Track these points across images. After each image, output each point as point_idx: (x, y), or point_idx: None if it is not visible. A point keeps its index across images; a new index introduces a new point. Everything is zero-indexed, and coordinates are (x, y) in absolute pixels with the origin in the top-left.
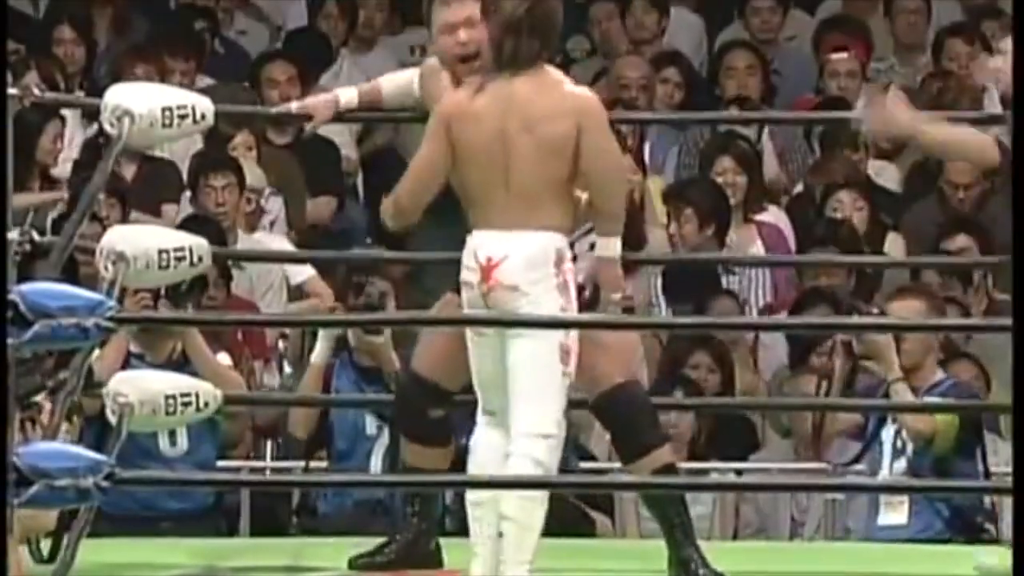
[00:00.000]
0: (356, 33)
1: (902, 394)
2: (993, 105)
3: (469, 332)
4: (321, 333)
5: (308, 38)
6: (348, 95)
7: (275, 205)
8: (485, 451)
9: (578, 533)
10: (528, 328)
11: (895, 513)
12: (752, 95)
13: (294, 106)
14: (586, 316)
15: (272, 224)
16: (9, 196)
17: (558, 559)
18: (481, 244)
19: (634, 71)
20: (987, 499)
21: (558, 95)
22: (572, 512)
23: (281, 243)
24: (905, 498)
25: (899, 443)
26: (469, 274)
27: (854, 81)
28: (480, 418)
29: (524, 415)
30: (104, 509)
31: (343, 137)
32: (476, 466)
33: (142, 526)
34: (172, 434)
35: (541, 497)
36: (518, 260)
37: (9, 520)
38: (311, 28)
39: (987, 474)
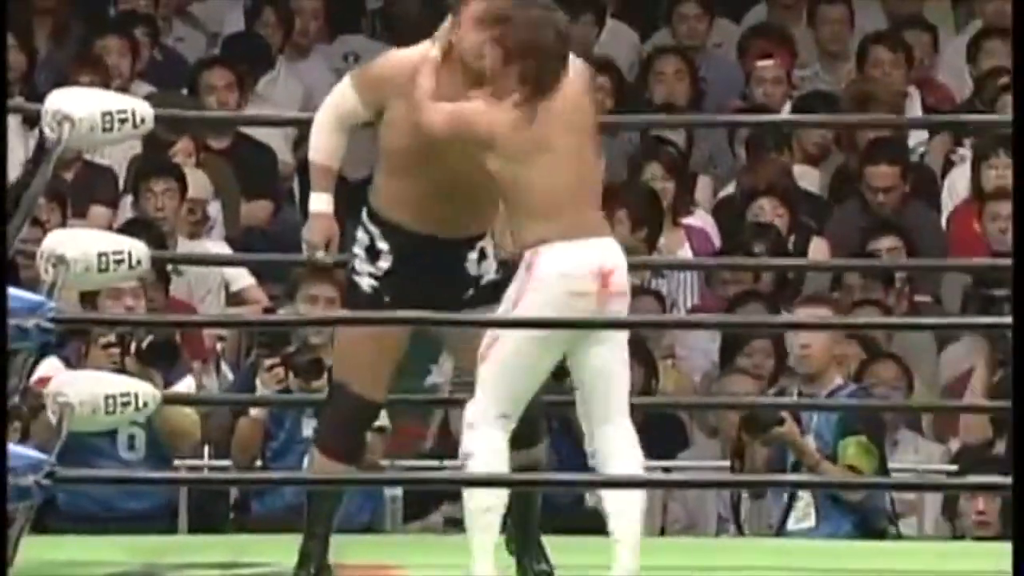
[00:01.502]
0: (292, 40)
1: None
2: (914, 111)
3: (536, 338)
4: (260, 389)
5: (246, 44)
6: (321, 202)
7: (213, 210)
8: (498, 459)
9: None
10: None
11: (805, 519)
12: (680, 101)
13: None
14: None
15: (211, 230)
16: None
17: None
18: (589, 253)
19: None
20: (888, 501)
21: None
22: None
23: (220, 248)
24: (812, 502)
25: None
26: (581, 283)
27: (779, 88)
28: (497, 423)
29: (626, 423)
30: (63, 509)
31: (279, 142)
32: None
33: (99, 525)
34: (131, 438)
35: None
36: (623, 266)
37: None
38: (248, 34)
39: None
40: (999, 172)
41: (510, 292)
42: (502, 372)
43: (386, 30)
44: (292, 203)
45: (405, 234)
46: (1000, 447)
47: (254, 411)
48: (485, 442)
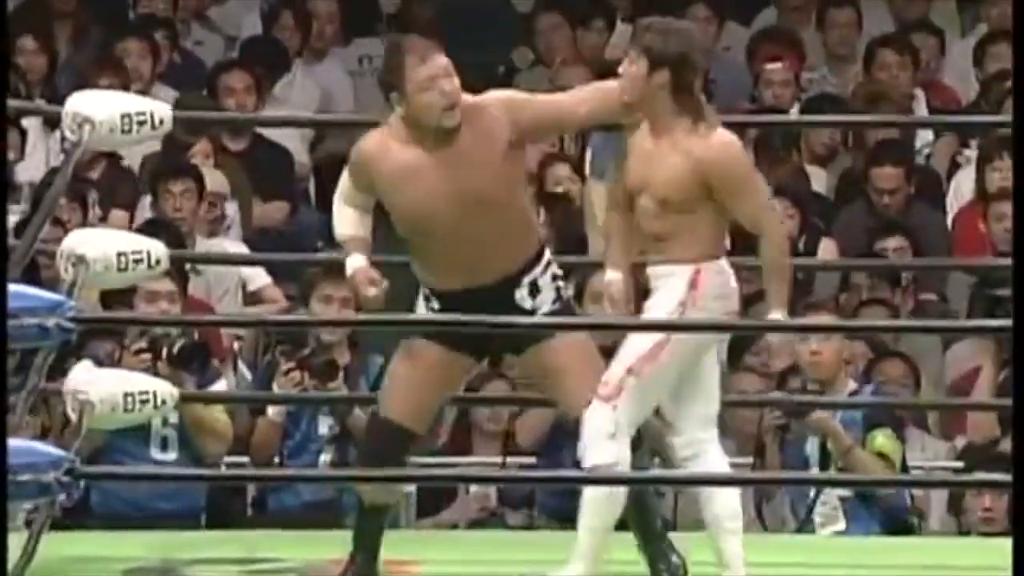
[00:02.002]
0: (309, 43)
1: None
2: (921, 113)
3: (690, 360)
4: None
5: (263, 47)
6: (355, 261)
7: (231, 210)
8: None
9: None
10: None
11: (833, 522)
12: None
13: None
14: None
15: (228, 229)
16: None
17: None
18: (726, 273)
19: (577, 82)
20: (907, 497)
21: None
22: None
23: (238, 248)
24: (839, 505)
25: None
26: (730, 303)
27: (787, 90)
28: (627, 438)
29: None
30: (96, 510)
31: (296, 143)
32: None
33: (129, 525)
34: (164, 440)
35: None
36: None
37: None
38: (266, 38)
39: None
40: (1003, 174)
41: (663, 302)
42: (650, 389)
43: (400, 34)
44: (308, 204)
45: (444, 293)
46: (1006, 444)
47: (271, 412)
48: (622, 454)
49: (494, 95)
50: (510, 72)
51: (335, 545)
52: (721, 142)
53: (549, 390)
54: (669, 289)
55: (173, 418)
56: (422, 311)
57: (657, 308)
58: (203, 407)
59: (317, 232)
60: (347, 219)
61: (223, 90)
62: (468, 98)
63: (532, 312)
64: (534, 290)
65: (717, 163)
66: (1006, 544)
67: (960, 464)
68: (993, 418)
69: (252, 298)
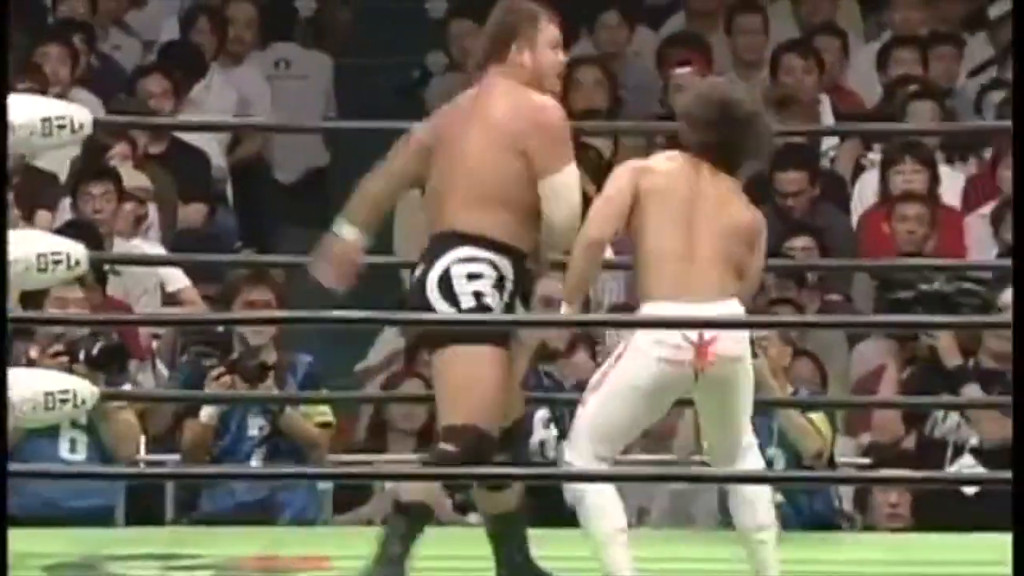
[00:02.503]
0: (226, 48)
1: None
2: (827, 117)
3: (638, 392)
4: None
5: (181, 52)
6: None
7: (150, 212)
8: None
9: None
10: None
11: None
12: (600, 108)
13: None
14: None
15: (147, 231)
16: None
17: None
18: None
19: None
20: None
21: (737, 190)
22: None
23: (156, 250)
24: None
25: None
26: (674, 351)
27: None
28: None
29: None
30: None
31: (213, 147)
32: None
33: (44, 523)
34: (72, 442)
35: None
36: (728, 333)
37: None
38: (184, 42)
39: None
40: (906, 176)
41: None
42: (601, 416)
43: (317, 38)
44: (226, 206)
45: (524, 260)
46: (910, 442)
47: (204, 415)
48: (597, 495)
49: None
50: (424, 76)
51: (257, 542)
52: None
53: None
54: None
55: (82, 419)
56: (494, 302)
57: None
58: (114, 408)
59: (235, 234)
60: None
61: (142, 94)
62: None
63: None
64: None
65: None
66: (911, 538)
67: (866, 461)
68: (898, 416)
69: (171, 299)
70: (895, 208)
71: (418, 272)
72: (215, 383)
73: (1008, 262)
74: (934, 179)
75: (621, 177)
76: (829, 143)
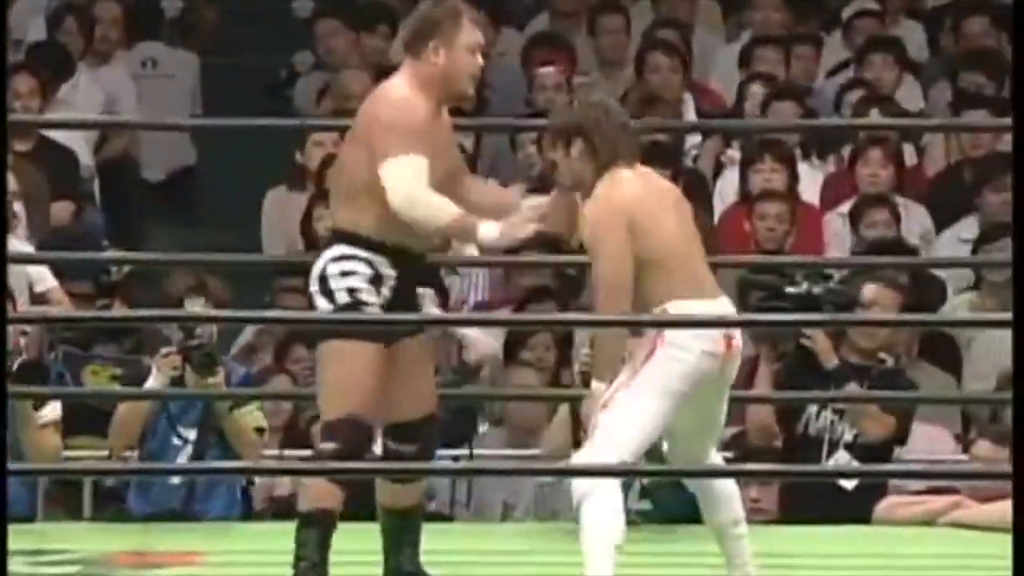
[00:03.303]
0: (93, 47)
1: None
2: (690, 115)
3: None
4: (154, 373)
5: (48, 51)
6: (491, 227)
7: (18, 210)
8: (615, 517)
9: None
10: None
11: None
12: (466, 105)
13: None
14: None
15: (15, 229)
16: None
17: None
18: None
19: (357, 84)
20: None
21: None
22: None
23: (24, 248)
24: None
25: None
26: (713, 343)
27: (560, 94)
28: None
29: None
30: None
31: (80, 145)
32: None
33: None
34: None
35: None
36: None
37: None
38: (51, 42)
39: None
40: (765, 175)
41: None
42: (623, 427)
43: (184, 37)
44: (93, 204)
45: (408, 255)
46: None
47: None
48: (604, 499)
49: None
50: (291, 76)
51: (129, 537)
52: None
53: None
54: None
55: None
56: (369, 298)
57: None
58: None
59: (103, 232)
60: (443, 200)
61: (9, 92)
62: None
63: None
64: (452, 270)
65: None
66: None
67: (730, 454)
68: (770, 410)
69: (39, 299)
70: (755, 206)
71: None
72: (162, 360)
73: (868, 259)
74: (793, 177)
75: (617, 237)
76: (692, 141)
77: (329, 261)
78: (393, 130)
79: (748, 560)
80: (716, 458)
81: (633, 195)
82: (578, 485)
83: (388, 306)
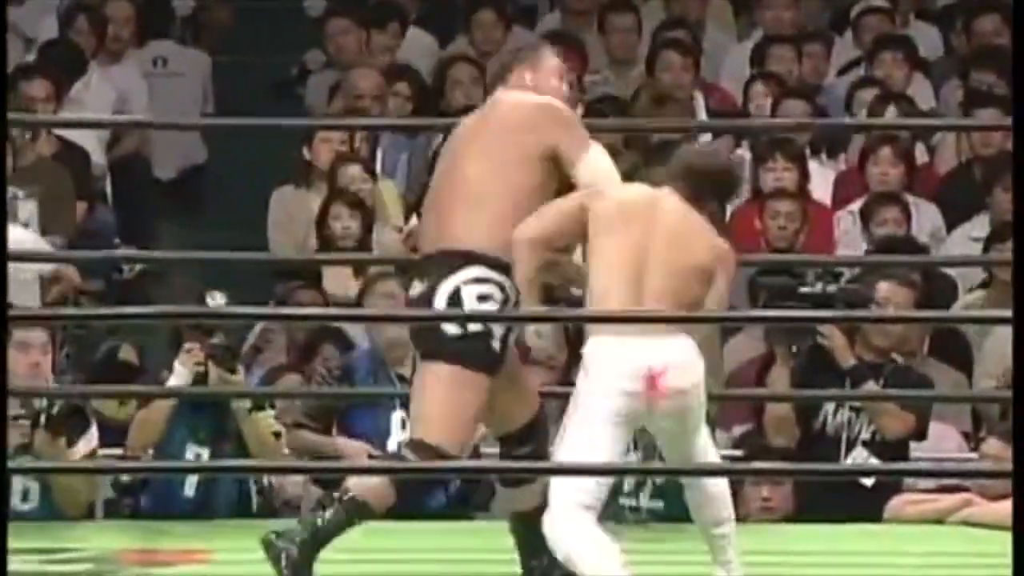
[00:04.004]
0: (105, 46)
1: None
2: (701, 114)
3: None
4: (177, 369)
5: (60, 50)
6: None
7: (29, 208)
8: (604, 549)
9: None
10: None
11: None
12: (478, 105)
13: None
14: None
15: (27, 226)
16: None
17: None
18: (639, 351)
19: (367, 83)
20: None
21: (701, 228)
22: None
23: (36, 241)
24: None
25: None
26: (629, 382)
27: (570, 92)
28: (582, 514)
29: None
30: None
31: (92, 144)
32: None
33: None
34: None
35: None
36: (678, 366)
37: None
38: (62, 40)
39: None
40: (777, 174)
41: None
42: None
43: (195, 36)
44: (105, 202)
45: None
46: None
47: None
48: (580, 536)
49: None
50: (302, 74)
51: (139, 535)
52: None
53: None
54: None
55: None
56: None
57: None
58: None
59: (114, 230)
60: None
61: (23, 93)
62: None
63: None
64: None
65: None
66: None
67: (739, 453)
68: (788, 407)
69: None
70: (767, 204)
71: (420, 288)
72: (186, 355)
73: (879, 257)
74: (804, 176)
75: (575, 196)
76: (703, 140)
77: (463, 283)
78: (569, 125)
79: (731, 559)
80: (712, 458)
81: (608, 196)
82: (556, 545)
83: (506, 332)
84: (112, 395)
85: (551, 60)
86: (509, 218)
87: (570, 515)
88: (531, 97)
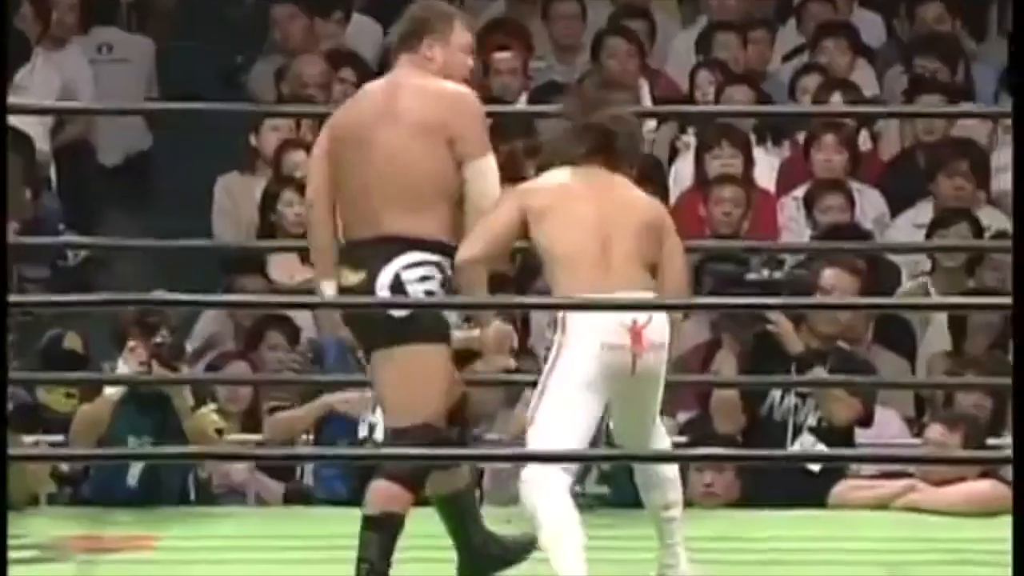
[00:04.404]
0: (49, 32)
1: None
2: (646, 101)
3: (579, 389)
4: (120, 366)
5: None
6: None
7: None
8: (566, 515)
9: None
10: None
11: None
12: None
13: None
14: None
15: None
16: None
17: None
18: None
19: (312, 69)
20: None
21: (634, 189)
22: None
23: None
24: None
25: None
26: (614, 336)
27: (516, 79)
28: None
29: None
30: None
31: (37, 130)
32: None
33: None
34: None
35: None
36: (658, 319)
37: None
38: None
39: None
40: (722, 161)
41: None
42: (551, 431)
43: (140, 22)
44: (49, 189)
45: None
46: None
47: (108, 390)
48: (552, 504)
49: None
50: (249, 61)
51: (83, 522)
52: None
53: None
54: None
55: None
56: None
57: None
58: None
59: (59, 216)
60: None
61: None
62: None
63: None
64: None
65: None
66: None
67: (684, 439)
68: (734, 393)
69: None
70: (711, 191)
71: (356, 278)
72: (130, 353)
73: (823, 244)
74: (749, 162)
75: (504, 201)
76: (647, 127)
77: (403, 268)
78: (478, 126)
79: (678, 542)
80: (663, 443)
81: (539, 183)
82: (527, 500)
83: None
84: (59, 382)
85: (462, 36)
86: (436, 201)
87: (549, 477)
88: (440, 86)
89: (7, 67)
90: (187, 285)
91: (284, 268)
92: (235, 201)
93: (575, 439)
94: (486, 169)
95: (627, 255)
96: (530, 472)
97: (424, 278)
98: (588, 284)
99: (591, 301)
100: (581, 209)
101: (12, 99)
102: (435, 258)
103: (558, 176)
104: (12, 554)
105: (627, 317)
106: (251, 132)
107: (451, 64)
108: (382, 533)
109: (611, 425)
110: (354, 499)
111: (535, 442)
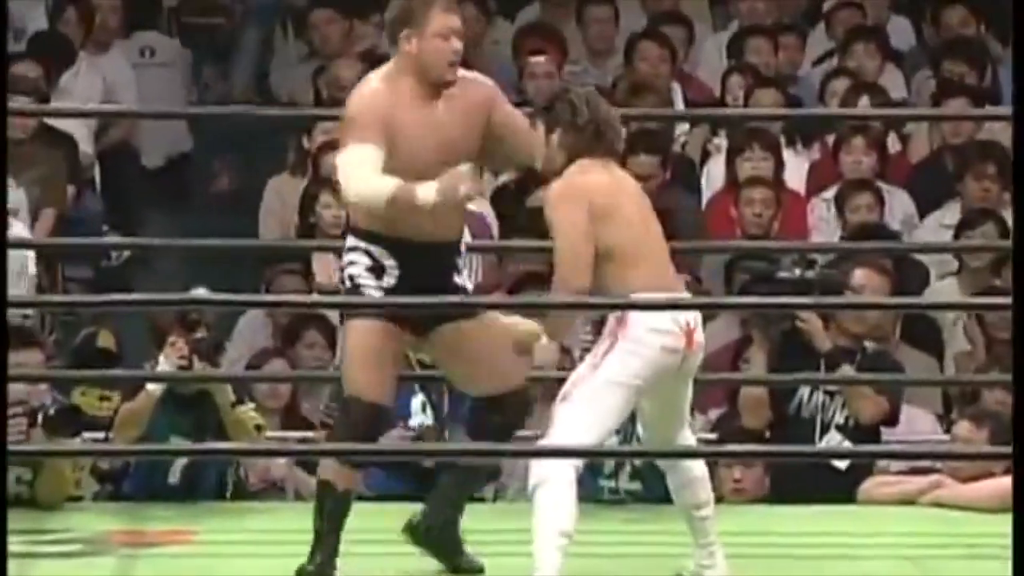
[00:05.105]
0: (93, 36)
1: None
2: (679, 104)
3: (626, 386)
4: (161, 362)
5: (49, 41)
6: (428, 188)
7: (19, 197)
8: (568, 490)
9: None
10: None
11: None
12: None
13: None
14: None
15: (17, 213)
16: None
17: None
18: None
19: (349, 71)
20: None
21: None
22: None
23: (24, 232)
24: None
25: None
26: (673, 339)
27: (550, 82)
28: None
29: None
30: None
31: (81, 132)
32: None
33: None
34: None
35: None
36: (699, 321)
37: None
38: (52, 31)
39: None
40: (753, 163)
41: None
42: (582, 423)
43: (180, 27)
44: (93, 190)
45: (408, 245)
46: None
47: (150, 386)
48: (557, 491)
49: (487, 80)
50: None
51: (119, 518)
52: None
53: (463, 364)
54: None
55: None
56: (367, 282)
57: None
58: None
59: (102, 217)
60: (381, 181)
61: (14, 80)
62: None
63: (464, 288)
64: (467, 265)
65: None
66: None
67: (714, 436)
68: (763, 390)
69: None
70: (742, 192)
71: None
72: (171, 348)
73: (853, 244)
74: (779, 164)
75: (566, 209)
76: (680, 129)
77: (344, 251)
78: (348, 123)
79: (713, 540)
80: (689, 441)
81: (594, 182)
82: (536, 470)
83: (394, 292)
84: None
85: (441, 21)
86: None
87: (562, 472)
88: (360, 88)
89: (7, 67)
90: (227, 288)
91: (325, 268)
92: (283, 202)
93: (600, 435)
94: (338, 163)
95: (663, 247)
96: (539, 465)
97: (351, 262)
98: (653, 281)
99: (615, 302)
100: (629, 206)
101: (57, 102)
102: (362, 244)
103: (595, 172)
104: (57, 548)
105: (681, 318)
106: (303, 135)
107: (426, 52)
108: (323, 501)
109: (639, 424)
110: (392, 493)
111: (562, 424)
